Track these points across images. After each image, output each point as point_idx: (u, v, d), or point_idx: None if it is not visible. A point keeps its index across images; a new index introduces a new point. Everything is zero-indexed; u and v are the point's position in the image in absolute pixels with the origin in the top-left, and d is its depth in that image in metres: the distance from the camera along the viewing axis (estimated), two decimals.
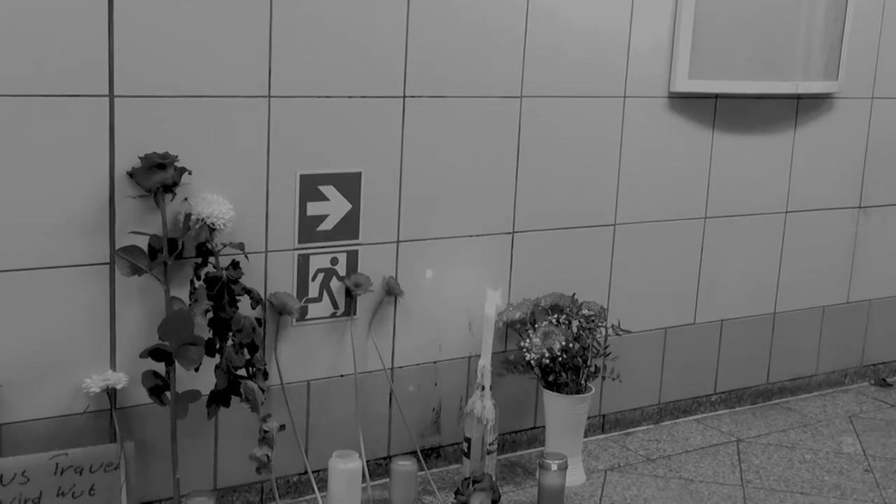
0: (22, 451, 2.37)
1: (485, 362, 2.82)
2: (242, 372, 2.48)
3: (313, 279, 2.71)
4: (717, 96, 3.31)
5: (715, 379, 3.58)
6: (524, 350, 2.91)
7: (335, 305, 2.75)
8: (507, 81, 2.90)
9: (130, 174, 2.38)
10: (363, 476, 2.72)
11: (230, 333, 2.45)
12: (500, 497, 2.79)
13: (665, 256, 3.30)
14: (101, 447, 2.43)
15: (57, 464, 2.38)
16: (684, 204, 3.35)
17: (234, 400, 2.48)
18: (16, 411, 2.37)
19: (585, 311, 3.00)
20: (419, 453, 2.89)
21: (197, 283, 2.45)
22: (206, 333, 2.43)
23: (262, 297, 2.60)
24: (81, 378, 2.40)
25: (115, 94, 2.35)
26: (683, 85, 3.19)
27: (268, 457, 2.46)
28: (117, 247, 2.40)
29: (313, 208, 2.67)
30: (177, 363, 2.39)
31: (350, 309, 2.77)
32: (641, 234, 3.25)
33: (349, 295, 2.76)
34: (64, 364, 2.40)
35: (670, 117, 3.24)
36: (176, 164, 2.38)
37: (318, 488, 2.70)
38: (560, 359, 2.89)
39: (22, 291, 2.33)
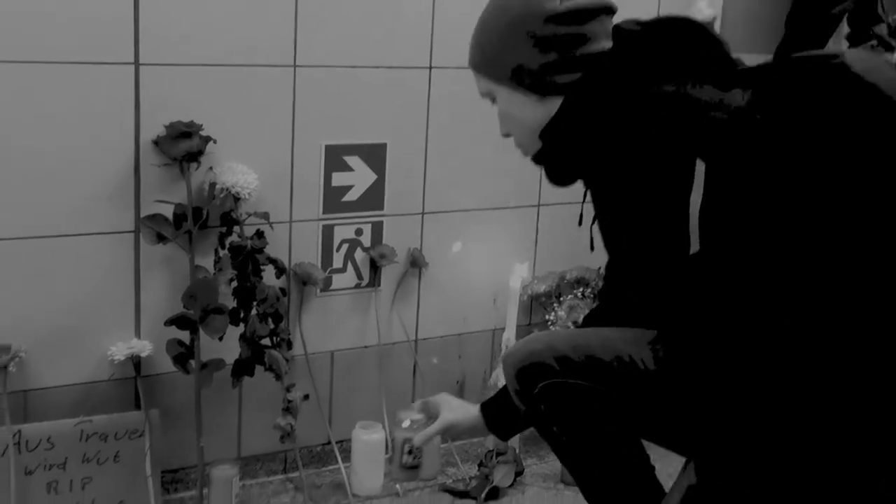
0: (47, 417, 2.38)
1: (509, 335, 2.81)
2: (266, 341, 2.49)
3: (338, 250, 2.70)
4: None
5: None
6: (549, 323, 2.90)
7: (359, 276, 2.75)
8: None
9: (156, 142, 2.38)
10: (386, 447, 2.72)
11: (254, 303, 2.45)
12: (523, 470, 2.79)
13: None
14: (126, 414, 2.45)
15: (82, 430, 2.39)
16: None
17: (258, 369, 2.48)
18: (41, 378, 2.39)
19: None
20: None
21: (221, 253, 2.45)
22: (231, 302, 2.44)
23: (287, 266, 2.60)
24: (106, 346, 2.41)
25: (141, 62, 2.35)
26: None
27: (291, 426, 2.47)
28: (142, 215, 2.40)
29: (338, 179, 2.66)
30: (201, 332, 2.40)
31: (374, 280, 2.77)
32: None
33: (373, 266, 2.76)
34: (89, 331, 2.41)
35: None
36: (201, 132, 2.38)
37: (341, 458, 2.70)
38: None
39: (47, 259, 2.34)
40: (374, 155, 2.70)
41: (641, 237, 1.58)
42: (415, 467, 2.28)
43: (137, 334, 2.47)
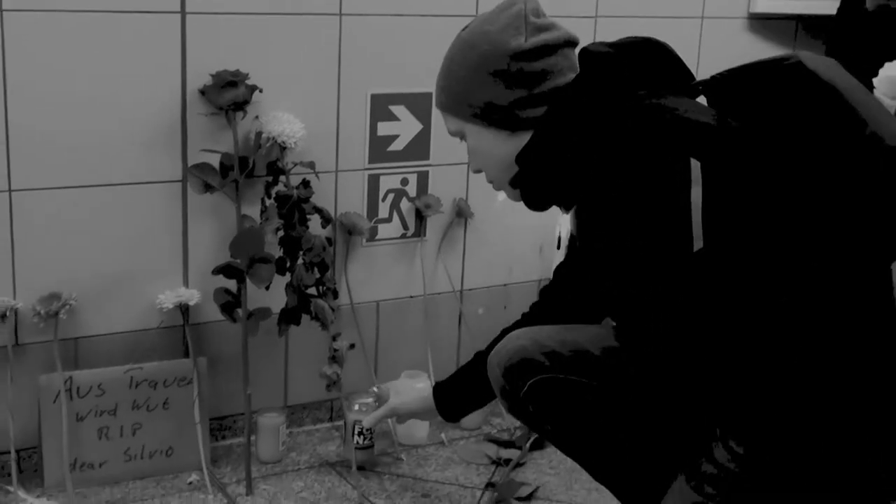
0: (98, 364, 2.41)
1: None
2: (312, 291, 2.50)
3: (383, 199, 2.70)
4: (799, 17, 3.21)
5: None
6: None
7: (405, 226, 2.75)
8: (584, 1, 2.84)
9: (202, 92, 2.38)
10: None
11: (300, 252, 2.46)
12: None
13: None
14: (175, 362, 2.47)
15: (132, 377, 2.42)
16: None
17: (305, 318, 2.49)
18: (92, 325, 2.41)
19: None
20: None
21: (268, 202, 2.46)
22: (277, 252, 2.45)
23: (333, 216, 2.60)
24: (155, 294, 2.43)
25: (187, 10, 2.35)
26: (764, 5, 3.10)
27: (337, 375, 2.48)
28: (189, 164, 2.41)
29: (384, 128, 2.65)
30: (248, 281, 2.41)
31: (420, 230, 2.77)
32: None
33: (419, 216, 2.75)
34: (138, 280, 2.43)
35: (749, 39, 3.15)
36: (247, 82, 2.38)
37: None
38: None
39: (96, 208, 2.36)
40: (420, 104, 2.68)
41: (636, 248, 1.56)
42: (368, 447, 2.54)
43: (185, 283, 2.49)
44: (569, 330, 1.98)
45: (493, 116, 1.72)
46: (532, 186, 1.75)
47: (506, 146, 1.73)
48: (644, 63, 1.66)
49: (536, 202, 1.78)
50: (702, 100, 1.67)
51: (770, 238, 1.52)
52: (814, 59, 1.57)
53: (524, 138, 1.71)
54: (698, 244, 1.51)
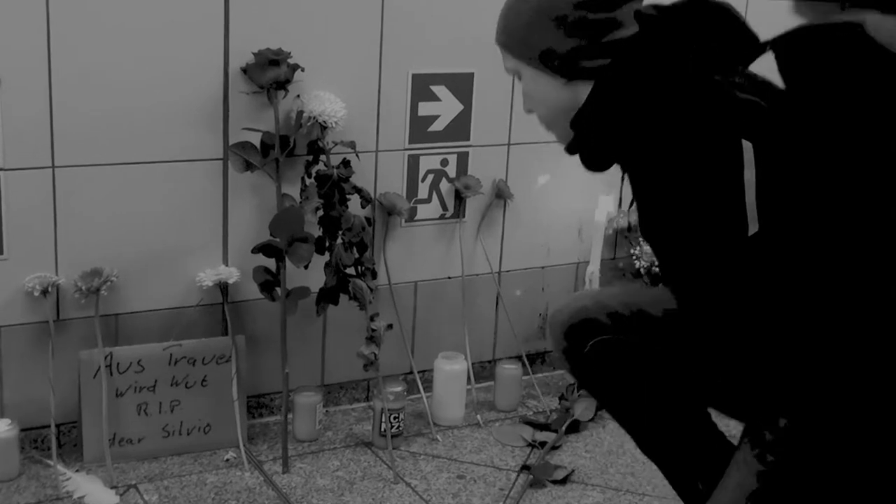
0: (138, 340, 2.43)
1: (593, 269, 2.80)
2: (351, 270, 2.50)
3: (423, 180, 2.69)
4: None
5: None
6: (634, 258, 2.87)
7: (444, 207, 2.74)
8: None
9: (244, 70, 2.38)
10: (468, 378, 2.73)
11: (340, 232, 2.46)
12: None
13: None
14: (214, 339, 2.48)
15: (171, 354, 2.44)
16: None
17: (343, 298, 2.50)
18: (132, 302, 2.43)
19: None
20: (524, 358, 2.89)
21: (308, 181, 2.46)
22: (317, 231, 2.45)
23: (372, 196, 2.60)
24: (195, 272, 2.44)
25: None
26: None
27: (375, 355, 2.48)
28: (230, 143, 2.41)
29: (424, 108, 2.64)
30: (287, 260, 2.41)
31: (459, 211, 2.76)
32: None
33: (458, 197, 2.74)
34: (178, 257, 2.44)
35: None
36: (289, 60, 2.38)
37: (423, 388, 2.72)
38: None
39: (138, 185, 2.37)
40: (461, 84, 2.67)
41: (691, 221, 1.55)
42: (396, 436, 2.54)
43: (225, 261, 2.50)
44: (631, 291, 1.97)
45: (551, 63, 1.68)
46: (591, 145, 1.72)
47: (561, 93, 1.70)
48: (703, 28, 1.61)
49: (595, 162, 1.75)
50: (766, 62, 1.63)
51: (827, 221, 1.50)
52: (884, 29, 1.52)
53: (579, 88, 1.67)
54: (754, 227, 1.49)
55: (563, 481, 2.44)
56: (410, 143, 2.65)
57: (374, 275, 2.54)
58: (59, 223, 2.32)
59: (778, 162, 1.51)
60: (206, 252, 2.47)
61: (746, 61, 1.63)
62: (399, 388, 2.54)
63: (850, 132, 1.51)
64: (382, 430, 2.52)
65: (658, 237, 1.64)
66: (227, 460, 2.46)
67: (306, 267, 2.42)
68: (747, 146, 1.50)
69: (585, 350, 1.89)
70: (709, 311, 1.60)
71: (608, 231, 2.89)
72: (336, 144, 2.46)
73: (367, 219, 2.53)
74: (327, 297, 2.49)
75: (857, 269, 1.53)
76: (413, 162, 2.67)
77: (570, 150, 1.74)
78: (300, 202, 2.45)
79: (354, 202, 2.50)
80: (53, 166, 2.29)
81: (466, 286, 2.80)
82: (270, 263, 2.44)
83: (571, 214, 2.91)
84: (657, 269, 2.83)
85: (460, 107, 2.68)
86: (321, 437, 2.60)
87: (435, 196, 2.72)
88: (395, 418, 2.53)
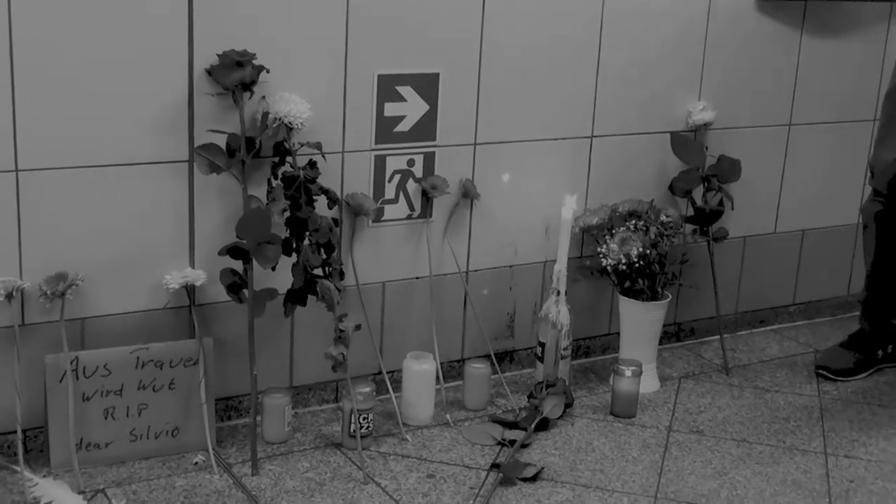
0: (104, 344, 2.42)
1: (560, 267, 2.80)
2: (319, 271, 2.50)
3: (390, 180, 2.70)
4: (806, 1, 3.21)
5: (794, 290, 3.52)
6: (601, 256, 2.88)
7: (411, 207, 2.74)
8: None
9: (209, 72, 2.38)
10: (437, 377, 2.74)
11: (307, 233, 2.46)
12: (573, 402, 2.80)
13: (748, 164, 3.21)
14: (181, 342, 2.47)
15: (138, 357, 2.42)
16: (769, 111, 3.27)
17: (311, 299, 2.49)
18: (98, 306, 2.41)
19: (664, 218, 2.96)
20: (493, 357, 2.90)
21: (274, 182, 2.45)
22: (283, 232, 2.44)
23: (339, 197, 2.59)
24: (161, 274, 2.43)
25: None
26: None
27: (343, 356, 2.48)
28: (196, 144, 2.40)
29: (390, 109, 2.64)
30: (254, 261, 2.41)
31: (426, 211, 2.76)
32: (721, 139, 3.18)
33: (425, 197, 2.75)
34: (144, 260, 2.43)
35: (758, 20, 3.14)
36: (254, 62, 2.37)
37: (392, 388, 2.72)
38: (637, 265, 2.86)
39: (103, 188, 2.36)
40: (427, 85, 2.67)
41: None
42: (365, 436, 2.54)
43: (192, 263, 2.49)
44: None
45: None
46: None
47: None
48: None
49: None
50: None
51: None
52: None
53: None
54: None
55: (533, 479, 2.45)
56: (377, 143, 2.65)
57: (342, 275, 2.54)
58: (23, 227, 2.30)
59: None
60: (173, 254, 2.46)
61: None
62: (368, 389, 2.55)
63: None
64: (352, 430, 2.52)
65: None
66: (196, 463, 2.45)
67: (273, 268, 2.41)
68: None
69: None
70: None
71: (575, 229, 2.90)
72: (302, 146, 2.46)
73: (335, 220, 2.53)
74: (295, 298, 2.49)
75: None
76: (380, 162, 2.67)
77: None
78: (267, 204, 2.44)
79: (321, 203, 2.50)
80: (17, 170, 2.27)
81: (434, 286, 2.81)
82: (237, 265, 2.43)
83: (538, 214, 2.92)
84: (623, 268, 2.85)
85: (426, 107, 2.69)
86: (290, 438, 2.59)
87: (402, 196, 2.72)
88: (364, 419, 2.53)
